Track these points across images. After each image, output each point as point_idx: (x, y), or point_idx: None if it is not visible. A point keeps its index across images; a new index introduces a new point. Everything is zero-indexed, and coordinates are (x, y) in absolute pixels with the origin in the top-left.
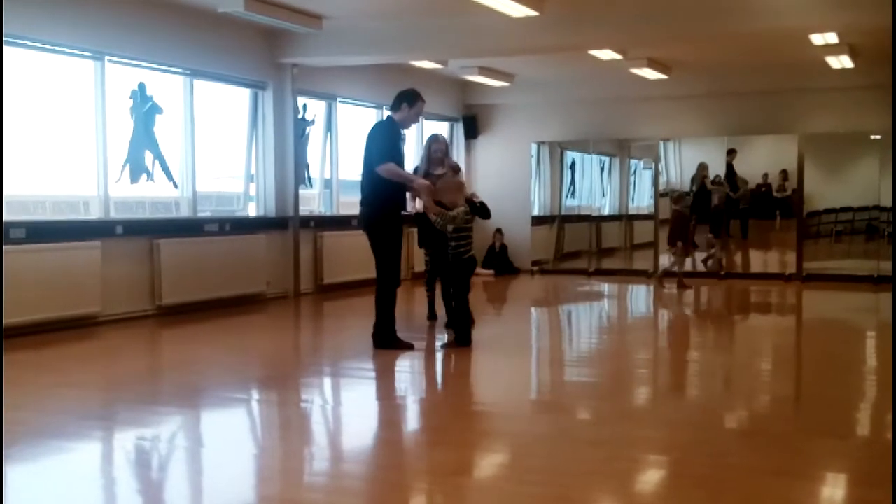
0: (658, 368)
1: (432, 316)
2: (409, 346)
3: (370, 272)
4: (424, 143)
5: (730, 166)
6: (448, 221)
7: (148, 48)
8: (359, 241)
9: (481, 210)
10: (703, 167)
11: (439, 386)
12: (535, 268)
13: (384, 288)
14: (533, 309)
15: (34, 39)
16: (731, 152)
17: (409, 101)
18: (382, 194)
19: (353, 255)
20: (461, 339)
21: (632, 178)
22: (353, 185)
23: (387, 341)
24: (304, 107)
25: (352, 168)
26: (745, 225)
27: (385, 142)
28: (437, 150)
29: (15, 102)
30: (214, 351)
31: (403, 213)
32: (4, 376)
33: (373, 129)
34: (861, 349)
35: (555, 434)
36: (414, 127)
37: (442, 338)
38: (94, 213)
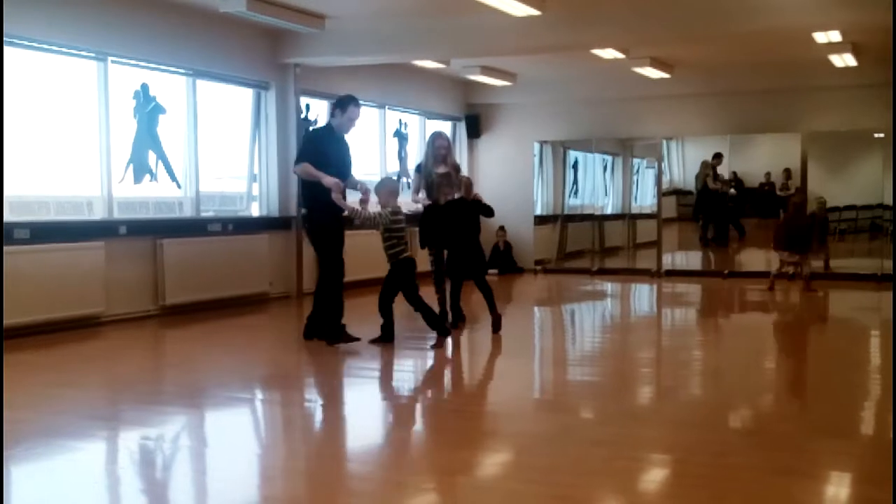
0: (660, 368)
1: (442, 315)
2: (354, 339)
3: (373, 272)
4: (427, 140)
5: (714, 168)
6: (364, 220)
7: (151, 49)
8: (361, 241)
9: (483, 209)
10: (706, 165)
11: (442, 385)
12: (538, 267)
13: (325, 286)
14: (536, 308)
15: (37, 40)
16: (718, 156)
17: (341, 107)
18: (317, 197)
19: (356, 256)
20: (440, 331)
21: (635, 178)
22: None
23: (333, 335)
24: (307, 107)
25: (355, 167)
26: (736, 224)
27: (306, 145)
28: (439, 147)
29: (19, 103)
30: (217, 351)
31: (342, 213)
32: (9, 376)
33: (304, 135)
34: (865, 348)
35: (558, 433)
36: (417, 126)
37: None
38: (98, 214)
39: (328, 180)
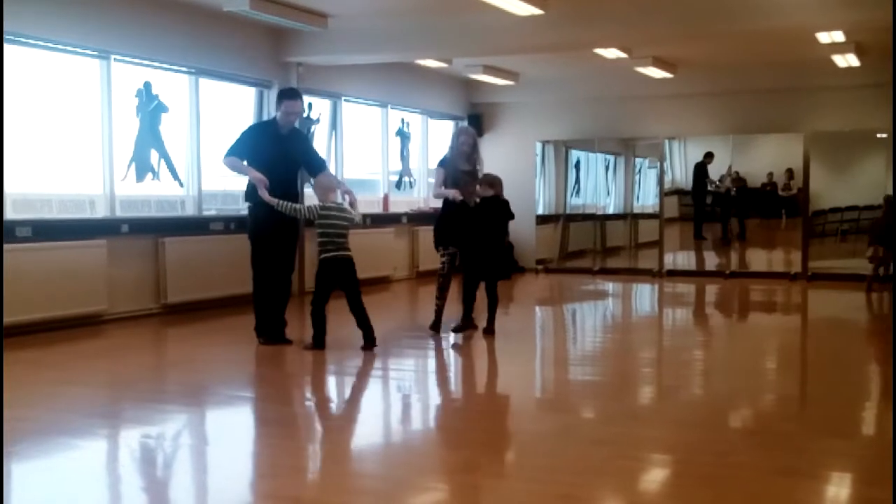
0: (662, 367)
1: (436, 325)
2: (287, 342)
3: (374, 270)
4: (453, 133)
5: (705, 167)
6: (290, 212)
7: (153, 47)
8: (363, 239)
9: (510, 212)
10: (729, 170)
11: (444, 384)
12: (540, 266)
13: (253, 283)
14: (537, 307)
15: (41, 38)
16: (710, 155)
17: (277, 101)
18: (253, 193)
19: (357, 253)
20: (318, 345)
21: (637, 177)
22: (358, 183)
23: (261, 333)
24: (310, 105)
25: (357, 166)
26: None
27: (238, 137)
28: (464, 143)
29: (21, 101)
30: (219, 349)
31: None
32: (10, 374)
33: None
34: (866, 348)
35: (559, 433)
36: (419, 125)
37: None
38: (100, 212)
39: (253, 174)
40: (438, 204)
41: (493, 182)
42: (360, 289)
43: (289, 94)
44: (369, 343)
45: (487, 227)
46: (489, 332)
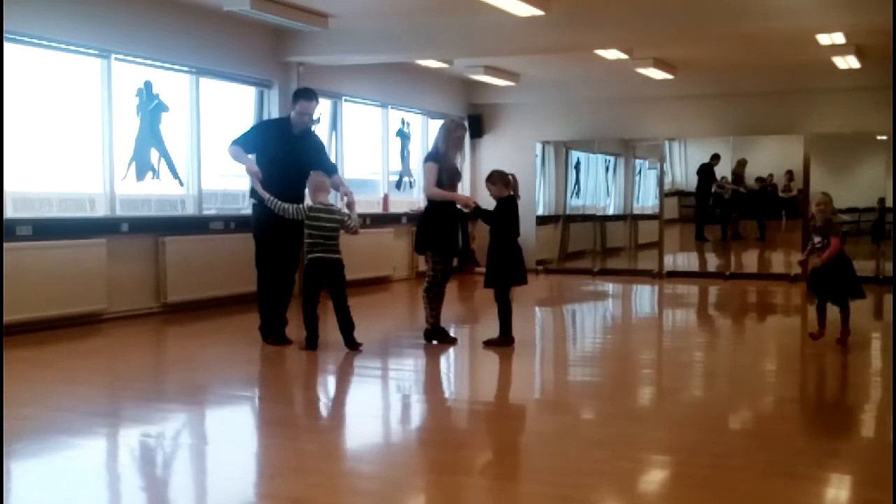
0: (662, 368)
1: (436, 331)
2: (287, 342)
3: (374, 270)
4: (447, 125)
5: (712, 169)
6: (280, 210)
7: (154, 46)
8: (362, 239)
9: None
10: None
11: (442, 385)
12: (540, 267)
13: (258, 282)
14: (537, 308)
15: (41, 37)
16: (716, 157)
17: (293, 101)
18: (254, 190)
19: (357, 254)
20: (310, 346)
21: (637, 178)
22: (359, 183)
23: (267, 333)
24: None
25: (357, 166)
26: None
27: (247, 130)
28: (458, 138)
29: (22, 100)
30: (219, 348)
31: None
32: (10, 373)
33: None
34: (865, 350)
35: (558, 434)
36: (419, 126)
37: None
38: (100, 211)
39: (248, 165)
40: None
41: (509, 181)
42: (346, 292)
43: (305, 95)
44: (350, 346)
45: (512, 232)
46: (496, 341)
